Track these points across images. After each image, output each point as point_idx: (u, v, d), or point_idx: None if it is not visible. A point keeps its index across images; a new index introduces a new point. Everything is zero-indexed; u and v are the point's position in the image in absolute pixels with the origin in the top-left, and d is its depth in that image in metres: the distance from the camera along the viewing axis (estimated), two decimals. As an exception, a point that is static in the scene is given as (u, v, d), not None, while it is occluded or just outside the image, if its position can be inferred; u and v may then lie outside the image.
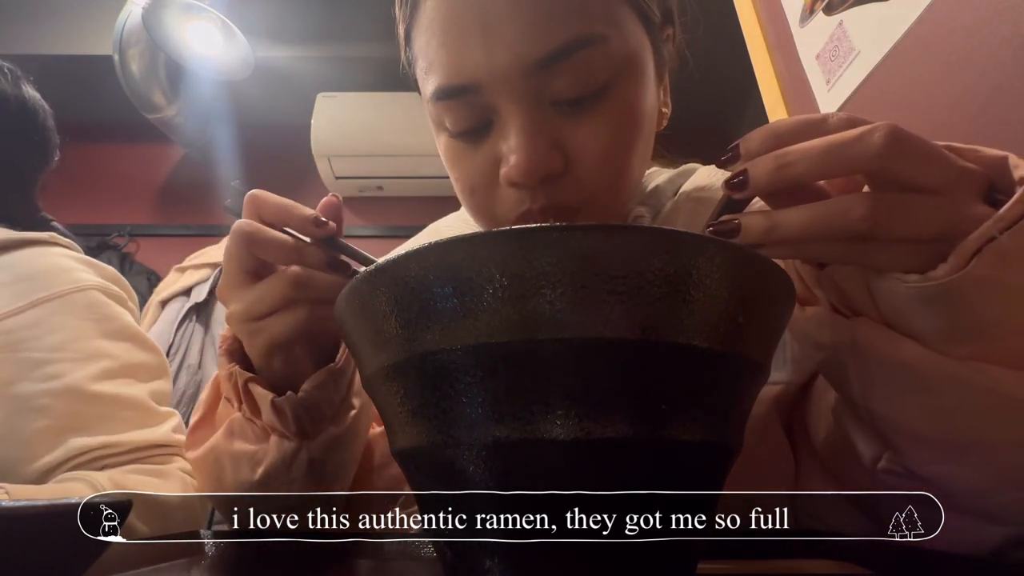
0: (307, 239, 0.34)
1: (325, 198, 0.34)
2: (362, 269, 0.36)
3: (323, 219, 0.33)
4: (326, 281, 0.33)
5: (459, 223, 0.58)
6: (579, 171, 0.37)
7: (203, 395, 0.41)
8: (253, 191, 0.35)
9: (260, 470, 0.36)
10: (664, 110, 0.46)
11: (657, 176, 0.52)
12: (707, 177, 0.50)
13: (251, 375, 0.35)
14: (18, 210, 0.76)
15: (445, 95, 0.38)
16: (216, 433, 0.38)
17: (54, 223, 0.79)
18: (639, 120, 0.39)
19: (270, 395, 0.35)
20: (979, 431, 0.26)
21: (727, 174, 0.26)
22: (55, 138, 0.78)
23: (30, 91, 0.75)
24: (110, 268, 0.72)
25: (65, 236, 0.74)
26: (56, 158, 0.79)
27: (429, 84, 0.38)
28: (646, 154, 0.42)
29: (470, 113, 0.38)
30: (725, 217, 0.26)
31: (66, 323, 0.62)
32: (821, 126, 0.25)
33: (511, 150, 0.36)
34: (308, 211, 0.33)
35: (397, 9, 0.42)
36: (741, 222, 0.25)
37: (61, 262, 0.67)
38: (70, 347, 0.61)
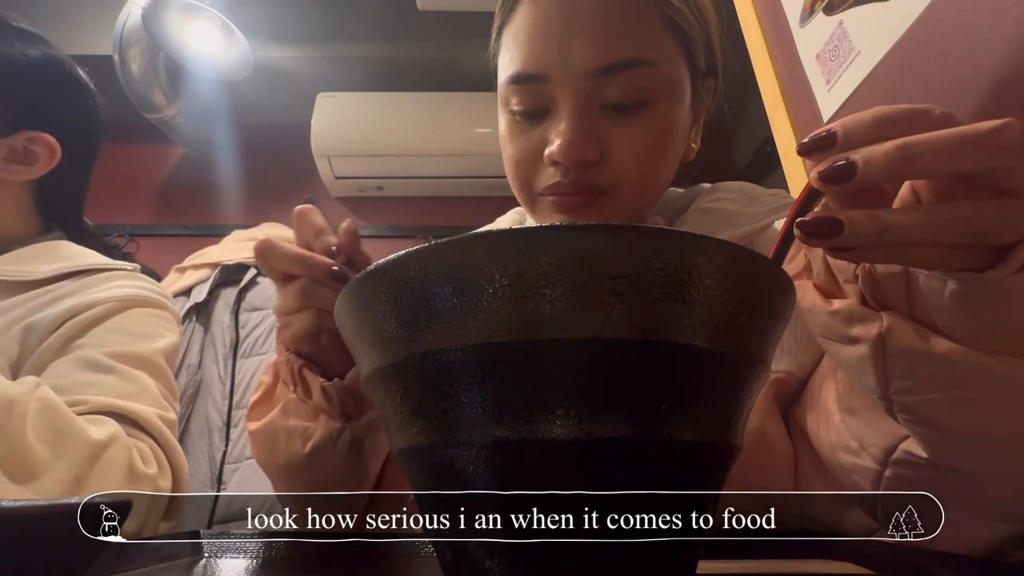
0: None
1: (343, 226, 0.40)
2: None
3: (336, 269, 0.38)
4: (326, 293, 0.38)
5: (515, 215, 0.62)
6: (611, 163, 0.44)
7: (263, 376, 0.48)
8: (262, 241, 0.39)
9: (309, 444, 0.41)
10: (693, 145, 0.52)
11: (674, 193, 0.57)
12: (715, 190, 0.53)
13: (305, 362, 0.41)
14: (77, 218, 0.74)
15: (519, 79, 0.45)
16: (274, 410, 0.44)
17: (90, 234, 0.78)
18: (668, 137, 0.46)
19: (320, 380, 0.40)
20: (1003, 423, 0.26)
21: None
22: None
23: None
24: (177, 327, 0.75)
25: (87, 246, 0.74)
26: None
27: (508, 69, 0.46)
28: (669, 168, 0.48)
29: (534, 99, 0.45)
30: (822, 213, 0.23)
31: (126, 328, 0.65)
32: (926, 117, 0.23)
33: (559, 134, 0.43)
34: (324, 262, 0.38)
35: (497, 6, 0.50)
36: (845, 220, 0.22)
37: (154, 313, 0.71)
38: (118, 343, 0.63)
